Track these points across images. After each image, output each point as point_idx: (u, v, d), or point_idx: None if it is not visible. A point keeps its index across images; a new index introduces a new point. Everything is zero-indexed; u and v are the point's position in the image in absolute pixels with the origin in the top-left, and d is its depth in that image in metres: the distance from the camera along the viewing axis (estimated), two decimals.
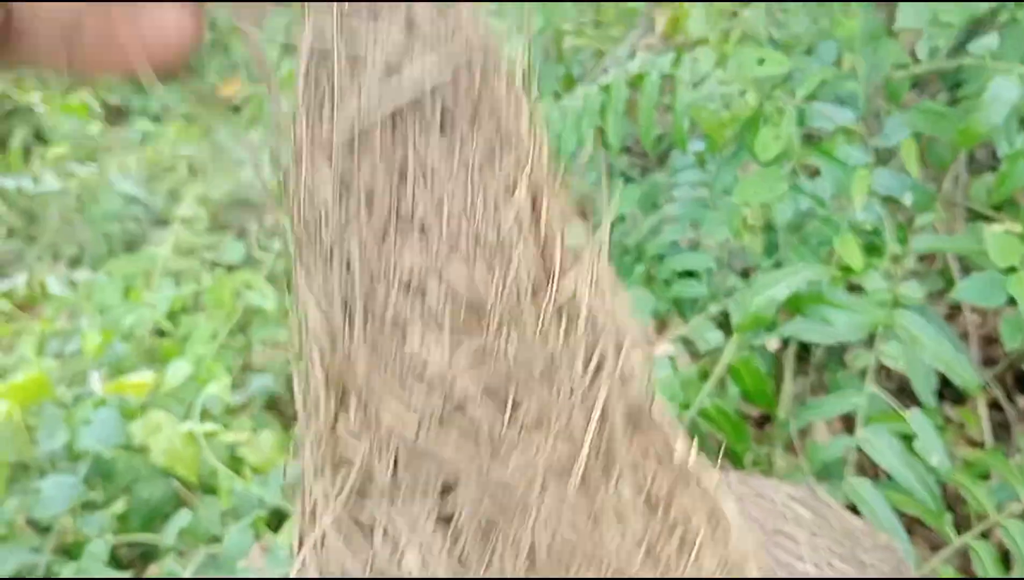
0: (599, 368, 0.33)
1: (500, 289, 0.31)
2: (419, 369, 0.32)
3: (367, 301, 0.31)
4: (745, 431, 1.04)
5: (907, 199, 1.12)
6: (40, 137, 3.04)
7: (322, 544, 0.34)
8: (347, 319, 0.32)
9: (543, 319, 0.32)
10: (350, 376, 0.32)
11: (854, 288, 1.09)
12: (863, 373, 1.10)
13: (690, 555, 0.35)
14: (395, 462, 0.33)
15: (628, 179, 1.65)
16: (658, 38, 1.99)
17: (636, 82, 1.37)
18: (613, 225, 1.46)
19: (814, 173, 1.26)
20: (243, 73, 3.45)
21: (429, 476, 0.32)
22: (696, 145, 1.41)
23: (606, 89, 1.39)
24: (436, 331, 0.31)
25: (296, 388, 0.35)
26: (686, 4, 1.27)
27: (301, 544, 0.35)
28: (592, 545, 0.32)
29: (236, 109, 3.32)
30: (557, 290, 0.33)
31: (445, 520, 0.33)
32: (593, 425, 0.33)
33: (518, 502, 0.31)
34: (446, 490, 0.32)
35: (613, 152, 1.42)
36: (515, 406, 0.32)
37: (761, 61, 1.19)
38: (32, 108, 3.12)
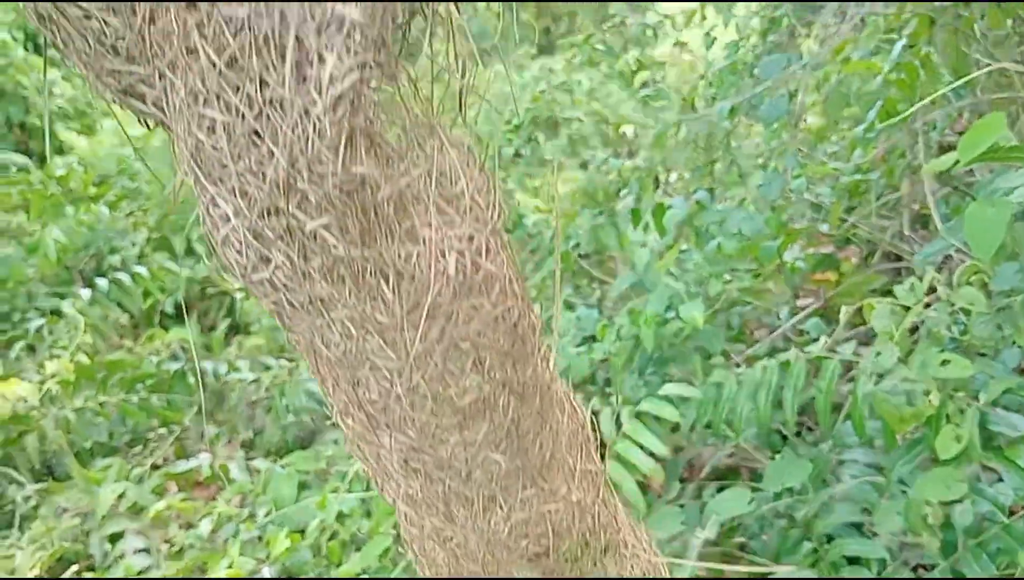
0: None
1: None
2: None
3: None
4: None
5: None
6: (235, 324, 3.36)
7: None
8: None
9: None
10: None
11: None
12: None
13: None
14: None
15: (795, 438, 1.69)
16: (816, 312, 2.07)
17: (817, 361, 1.44)
18: (779, 495, 1.49)
19: (997, 476, 1.27)
20: None
21: None
22: (870, 425, 1.44)
23: (785, 365, 1.47)
24: None
25: None
26: (870, 301, 1.35)
27: None
28: None
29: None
30: None
31: None
32: None
33: None
34: None
35: (789, 426, 1.47)
36: None
37: (945, 362, 1.24)
38: (231, 294, 3.48)
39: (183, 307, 3.47)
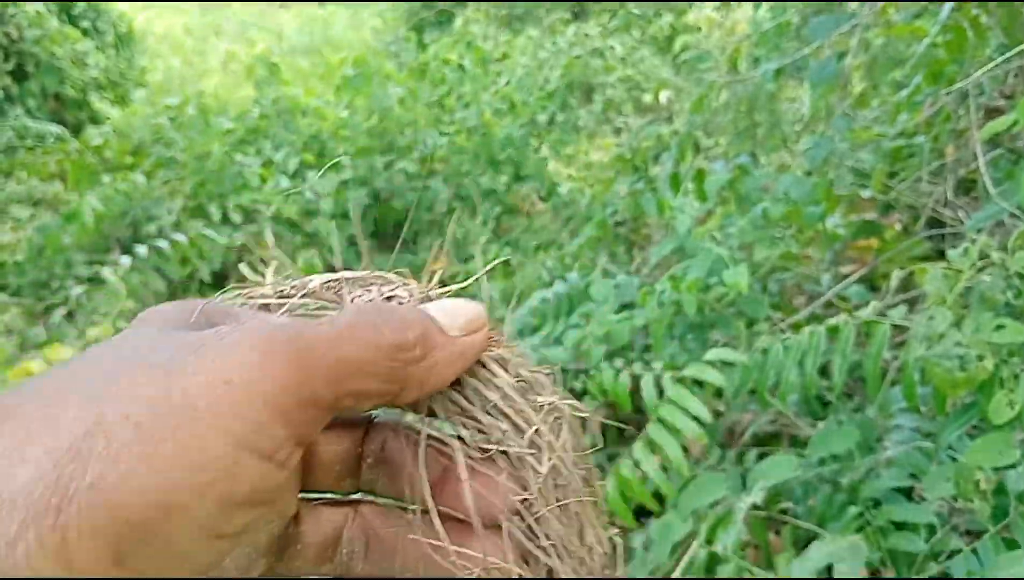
0: None
1: None
2: None
3: None
4: None
5: None
6: None
7: None
8: None
9: None
10: None
11: None
12: None
13: None
14: None
15: (837, 404, 1.67)
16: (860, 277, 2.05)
17: (866, 326, 1.42)
18: (825, 462, 1.48)
19: None
20: (451, 252, 3.74)
21: None
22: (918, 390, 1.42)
23: (833, 330, 1.45)
24: None
25: None
26: (922, 265, 1.33)
27: None
28: None
29: (443, 284, 3.56)
30: None
31: None
32: None
33: None
34: None
35: (836, 391, 1.46)
36: None
37: (999, 327, 1.22)
38: (267, 262, 3.51)
39: (223, 272, 3.51)
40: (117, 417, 0.27)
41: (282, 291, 0.37)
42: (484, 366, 0.35)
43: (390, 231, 3.91)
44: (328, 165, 3.86)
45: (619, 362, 1.83)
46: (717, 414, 2.06)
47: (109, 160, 4.71)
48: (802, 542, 1.31)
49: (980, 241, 1.35)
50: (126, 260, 3.19)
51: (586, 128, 4.26)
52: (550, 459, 0.34)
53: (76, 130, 6.18)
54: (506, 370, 0.35)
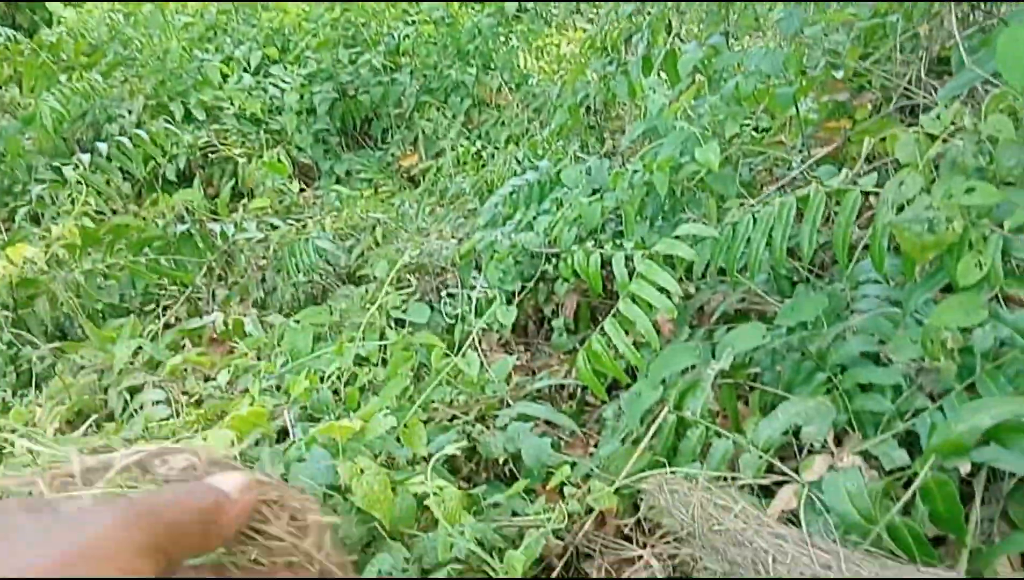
0: None
1: None
2: None
3: None
4: (931, 552, 1.04)
5: None
6: (238, 186, 3.33)
7: None
8: None
9: None
10: None
11: None
12: None
13: None
14: None
15: (805, 281, 1.68)
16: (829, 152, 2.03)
17: (836, 195, 1.42)
18: (792, 330, 1.49)
19: (1015, 304, 1.26)
20: (422, 148, 3.68)
21: None
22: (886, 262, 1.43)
23: (803, 200, 1.44)
24: None
25: None
26: (892, 131, 1.31)
27: None
28: None
29: (412, 180, 3.54)
30: None
31: None
32: None
33: None
34: None
35: (806, 259, 1.46)
36: None
37: (970, 190, 1.22)
38: (234, 159, 3.43)
39: (187, 171, 3.43)
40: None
41: (88, 468, 0.44)
42: (258, 511, 0.46)
43: (358, 126, 3.83)
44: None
45: (590, 245, 1.82)
46: (688, 296, 2.08)
47: (66, 60, 4.53)
48: (769, 408, 1.33)
49: (953, 107, 1.34)
50: (87, 158, 3.11)
51: (556, 18, 4.15)
52: (318, 565, 0.47)
53: (30, 34, 5.92)
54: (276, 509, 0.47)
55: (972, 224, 1.23)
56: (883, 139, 1.44)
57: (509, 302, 2.07)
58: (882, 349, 1.36)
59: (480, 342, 2.16)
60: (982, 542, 1.10)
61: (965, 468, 1.10)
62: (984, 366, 1.19)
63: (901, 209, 1.28)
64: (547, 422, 1.77)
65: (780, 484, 1.20)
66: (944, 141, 1.32)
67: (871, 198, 1.57)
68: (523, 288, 2.26)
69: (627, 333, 1.58)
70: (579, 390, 1.94)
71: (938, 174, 1.31)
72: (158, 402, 1.92)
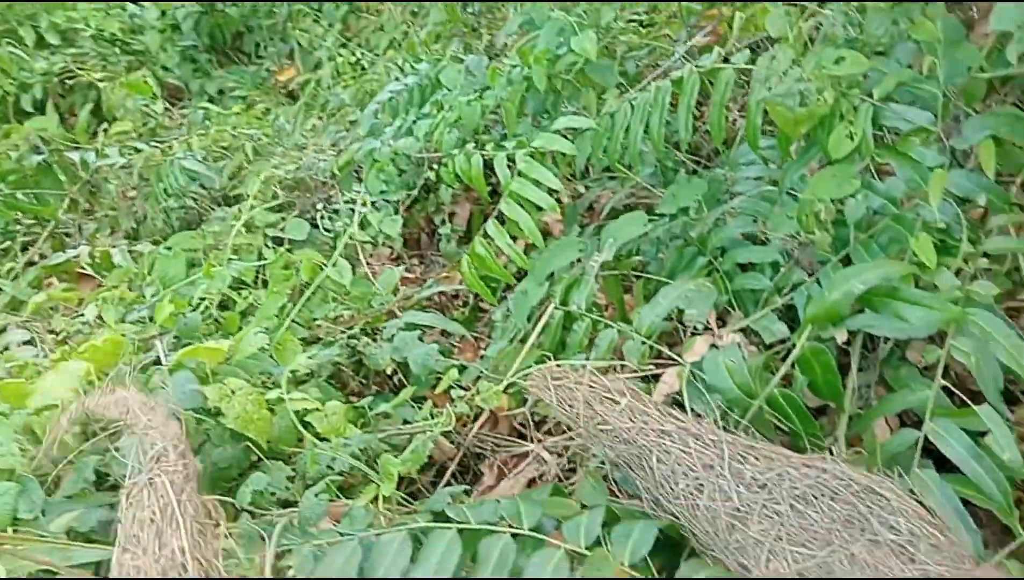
0: None
1: None
2: None
3: None
4: (812, 421, 1.05)
5: (981, 200, 1.13)
6: (102, 113, 3.11)
7: None
8: None
9: None
10: None
11: (923, 286, 1.10)
12: (925, 370, 1.10)
13: None
14: None
15: (691, 173, 1.67)
16: (715, 36, 2.00)
17: (710, 75, 1.39)
18: (675, 217, 1.48)
19: (886, 174, 1.27)
20: (298, 60, 3.50)
21: None
22: (763, 142, 1.42)
23: (678, 83, 1.41)
24: None
25: None
26: (764, 3, 1.28)
27: None
28: None
29: (291, 95, 3.38)
30: None
31: None
32: None
33: None
34: None
35: (684, 144, 1.44)
36: None
37: (839, 60, 1.20)
38: (95, 84, 3.19)
39: (44, 101, 3.19)
40: None
41: None
42: None
43: (229, 42, 3.61)
44: None
45: (471, 147, 1.76)
46: (577, 195, 2.05)
47: None
48: (654, 297, 1.32)
49: None
50: None
51: None
52: None
53: None
54: None
55: (843, 95, 1.22)
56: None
57: (396, 213, 2.00)
58: (761, 230, 1.35)
59: (369, 257, 2.09)
60: (860, 408, 1.12)
61: (842, 337, 1.11)
62: (857, 236, 1.19)
63: (774, 84, 1.25)
64: (442, 332, 1.74)
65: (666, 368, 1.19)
66: (813, 15, 1.30)
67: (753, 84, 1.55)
68: (411, 198, 2.19)
69: (515, 239, 1.54)
70: (472, 297, 1.91)
71: (812, 49, 1.29)
72: (23, 343, 1.79)
